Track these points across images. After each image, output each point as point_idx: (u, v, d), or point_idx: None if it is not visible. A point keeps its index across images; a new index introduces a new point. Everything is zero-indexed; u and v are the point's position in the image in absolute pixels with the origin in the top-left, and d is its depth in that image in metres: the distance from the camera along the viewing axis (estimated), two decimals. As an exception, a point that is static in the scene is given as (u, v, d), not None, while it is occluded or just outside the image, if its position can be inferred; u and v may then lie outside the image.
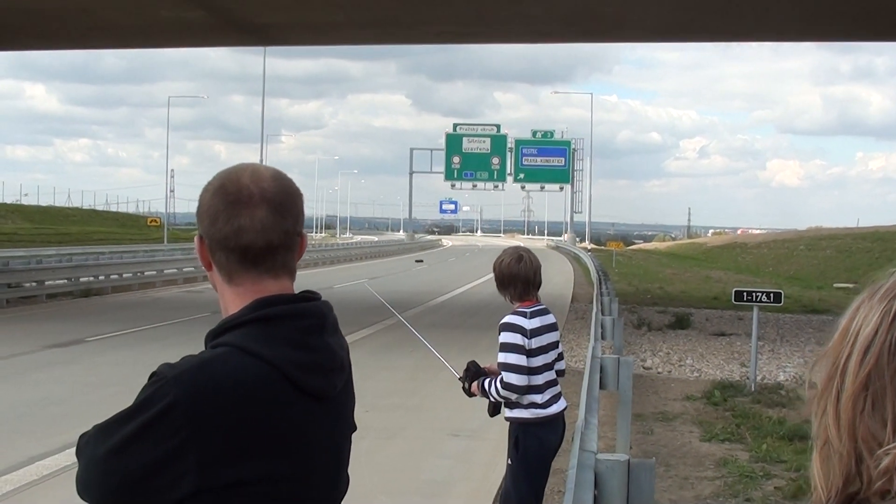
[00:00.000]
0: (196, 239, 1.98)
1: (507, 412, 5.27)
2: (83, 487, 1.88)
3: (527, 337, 5.16)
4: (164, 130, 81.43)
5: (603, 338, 11.62)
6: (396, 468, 8.37)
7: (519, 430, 5.24)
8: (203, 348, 1.89)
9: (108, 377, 12.62)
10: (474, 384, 5.24)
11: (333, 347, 1.96)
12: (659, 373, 14.32)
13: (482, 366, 5.34)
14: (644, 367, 14.52)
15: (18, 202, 79.39)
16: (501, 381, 5.13)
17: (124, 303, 24.77)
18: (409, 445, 9.21)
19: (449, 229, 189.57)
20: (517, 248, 5.53)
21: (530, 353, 5.16)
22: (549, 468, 5.38)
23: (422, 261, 51.10)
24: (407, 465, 8.50)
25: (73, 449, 1.94)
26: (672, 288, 34.20)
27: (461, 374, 5.31)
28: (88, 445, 1.88)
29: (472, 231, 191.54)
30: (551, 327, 5.33)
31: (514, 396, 5.16)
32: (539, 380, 5.21)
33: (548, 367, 5.27)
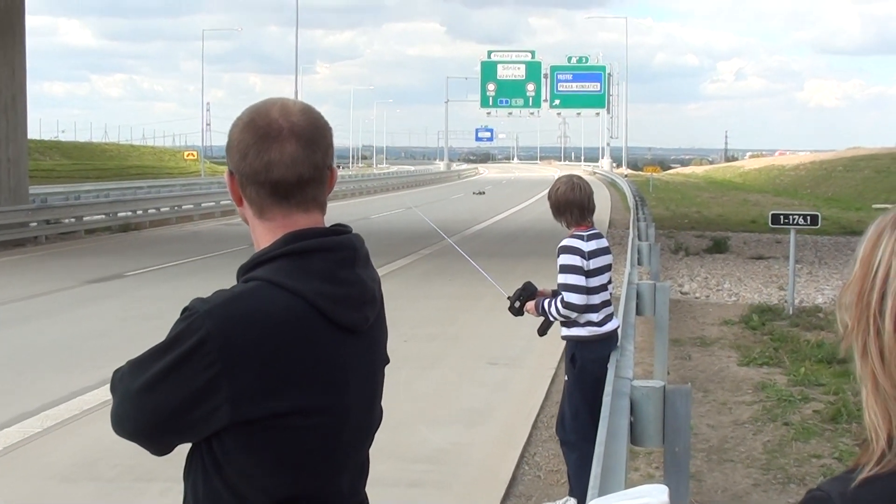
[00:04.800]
0: (226, 174, 1.98)
1: (563, 331, 5.50)
2: (117, 422, 1.91)
3: (585, 258, 5.36)
4: (199, 64, 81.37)
5: (640, 263, 11.57)
6: (435, 397, 8.43)
7: (576, 347, 5.47)
8: (235, 282, 1.90)
9: (148, 311, 12.76)
10: (530, 303, 5.44)
11: (365, 280, 1.95)
12: (696, 297, 14.27)
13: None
14: (681, 292, 14.47)
15: (56, 138, 79.78)
16: (562, 300, 5.33)
17: (162, 237, 24.99)
18: (448, 374, 9.27)
19: (485, 157, 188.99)
20: (570, 176, 5.72)
21: (588, 274, 5.37)
22: (605, 384, 5.48)
23: (483, 192, 49.41)
24: (446, 394, 8.57)
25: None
26: (709, 212, 33.98)
27: (511, 294, 5.49)
28: (122, 381, 1.91)
29: (508, 159, 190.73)
30: (605, 250, 5.54)
31: (573, 315, 5.36)
32: (596, 299, 5.43)
33: (603, 287, 5.49)
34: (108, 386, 6.86)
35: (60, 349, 10.39)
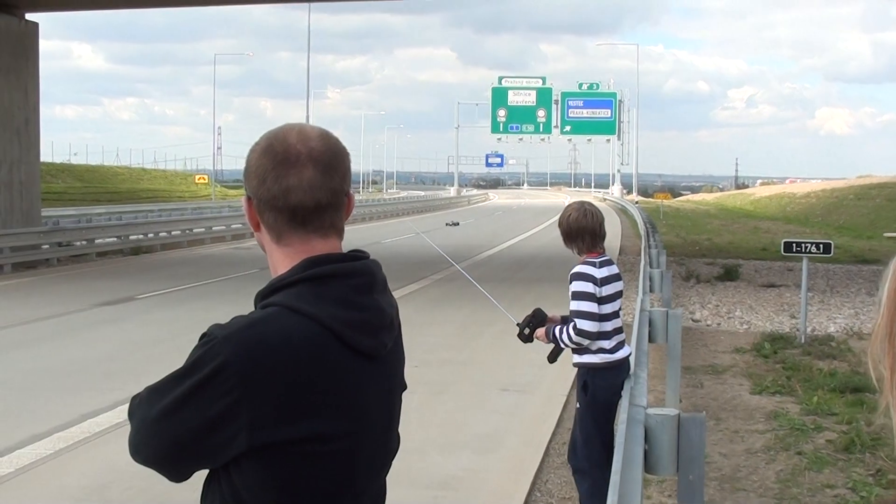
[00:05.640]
0: (244, 199, 1.98)
1: (575, 358, 5.51)
2: (135, 449, 1.89)
3: (597, 285, 5.38)
4: (210, 88, 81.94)
5: (651, 290, 11.54)
6: (447, 423, 8.40)
7: (587, 374, 5.47)
8: (253, 308, 1.89)
9: (159, 335, 12.77)
10: (539, 330, 5.43)
11: (383, 306, 1.95)
12: (708, 325, 14.22)
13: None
14: (693, 320, 14.43)
15: (68, 161, 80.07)
16: (574, 327, 5.33)
17: (173, 260, 25.03)
18: (459, 400, 9.24)
19: (495, 183, 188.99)
20: (581, 202, 5.72)
21: (601, 301, 5.38)
22: (616, 411, 5.47)
23: (457, 223, 44.46)
24: (457, 420, 8.54)
25: (125, 406, 1.96)
26: (720, 239, 33.91)
27: (520, 321, 5.48)
28: (140, 407, 1.89)
29: (518, 184, 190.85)
30: (617, 277, 5.55)
31: (586, 342, 5.36)
32: (608, 326, 5.43)
33: (615, 314, 5.50)
34: (119, 409, 6.90)
35: (72, 372, 10.39)
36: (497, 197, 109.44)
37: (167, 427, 1.81)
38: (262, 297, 1.90)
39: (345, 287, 1.88)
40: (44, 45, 25.30)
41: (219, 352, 1.76)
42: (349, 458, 1.87)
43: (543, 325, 5.49)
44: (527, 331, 5.51)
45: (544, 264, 23.61)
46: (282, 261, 1.93)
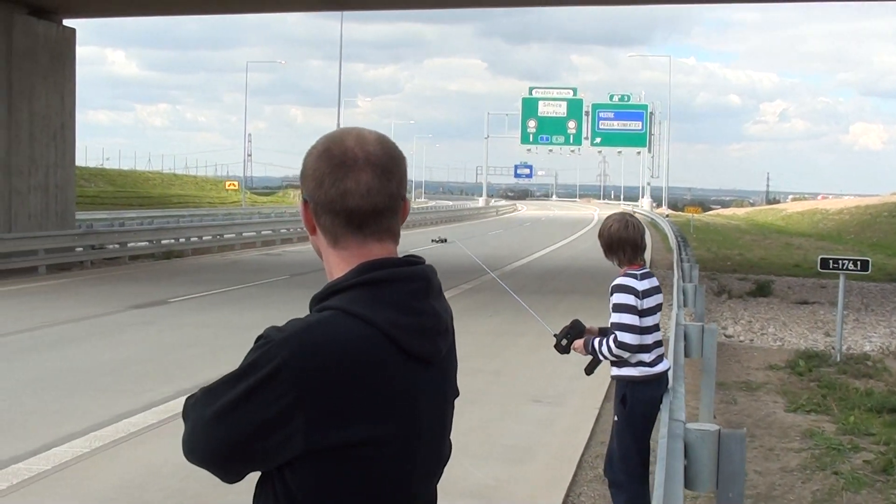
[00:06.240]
0: (300, 203, 1.97)
1: (614, 370, 5.46)
2: (189, 448, 1.89)
3: (639, 298, 5.33)
4: (241, 95, 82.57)
5: (685, 304, 11.47)
6: (479, 432, 8.36)
7: (626, 388, 5.41)
8: (302, 313, 1.89)
9: (191, 338, 12.82)
10: (578, 342, 5.39)
11: (439, 311, 1.95)
12: (740, 341, 14.10)
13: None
14: (725, 335, 14.31)
15: (101, 166, 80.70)
16: (615, 340, 5.29)
17: (204, 265, 25.15)
18: (491, 410, 9.19)
19: (524, 194, 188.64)
20: (623, 213, 5.69)
21: (642, 314, 5.33)
22: (654, 425, 5.43)
23: (444, 240, 35.34)
24: (489, 430, 8.50)
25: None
26: (752, 255, 33.68)
27: (557, 332, 5.45)
28: (195, 408, 1.89)
29: (546, 196, 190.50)
30: (657, 289, 5.50)
31: (626, 355, 5.32)
32: (649, 339, 5.39)
33: (655, 327, 5.45)
34: (153, 410, 6.94)
35: (106, 372, 10.45)
36: (525, 208, 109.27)
37: (222, 428, 1.80)
38: (317, 301, 1.90)
39: (401, 292, 1.87)
40: (79, 50, 25.50)
41: (276, 354, 1.75)
42: (403, 463, 1.86)
43: (581, 337, 5.45)
44: (564, 342, 5.47)
45: (575, 276, 23.54)
46: (338, 264, 1.92)
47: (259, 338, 1.81)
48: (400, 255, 1.96)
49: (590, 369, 5.55)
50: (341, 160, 1.87)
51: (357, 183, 1.86)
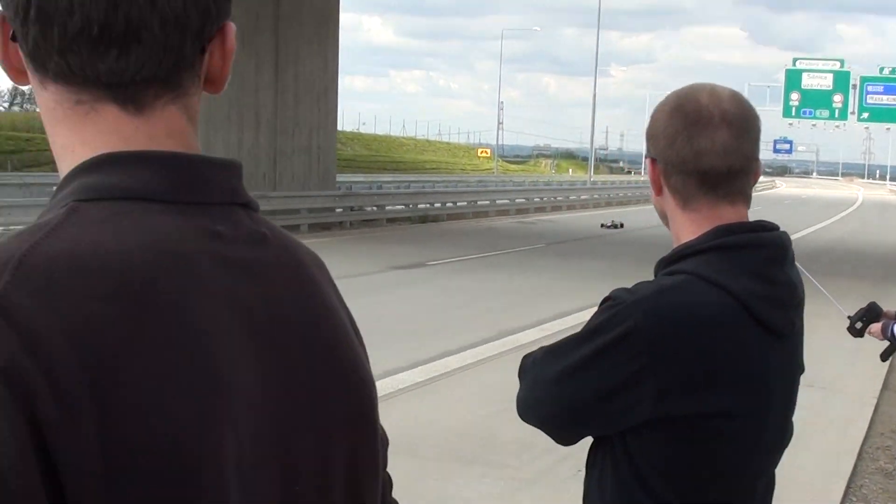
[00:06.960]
0: (647, 162, 1.89)
1: None
2: (526, 407, 1.86)
3: None
4: (493, 63, 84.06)
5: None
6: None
7: None
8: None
9: (452, 300, 13.07)
10: (875, 326, 5.08)
11: (795, 281, 1.84)
12: None
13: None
14: None
15: (357, 130, 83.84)
16: None
17: (460, 230, 25.62)
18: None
19: (782, 170, 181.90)
20: None
21: None
22: None
23: (621, 225, 28.53)
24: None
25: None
26: None
27: (852, 314, 5.16)
28: (535, 367, 1.86)
29: (806, 173, 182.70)
30: None
31: None
32: None
33: None
34: (419, 368, 7.03)
35: (373, 330, 10.55)
36: (784, 185, 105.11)
37: (565, 389, 1.77)
38: (665, 264, 1.83)
39: (757, 259, 1.77)
40: (341, 17, 26.35)
41: (627, 316, 1.69)
42: (751, 438, 1.77)
43: (878, 321, 5.14)
44: (859, 325, 5.17)
45: (841, 258, 22.40)
46: (687, 227, 1.84)
47: (605, 299, 1.76)
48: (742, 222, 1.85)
49: (885, 355, 5.22)
50: (696, 118, 1.79)
51: (712, 142, 1.77)
